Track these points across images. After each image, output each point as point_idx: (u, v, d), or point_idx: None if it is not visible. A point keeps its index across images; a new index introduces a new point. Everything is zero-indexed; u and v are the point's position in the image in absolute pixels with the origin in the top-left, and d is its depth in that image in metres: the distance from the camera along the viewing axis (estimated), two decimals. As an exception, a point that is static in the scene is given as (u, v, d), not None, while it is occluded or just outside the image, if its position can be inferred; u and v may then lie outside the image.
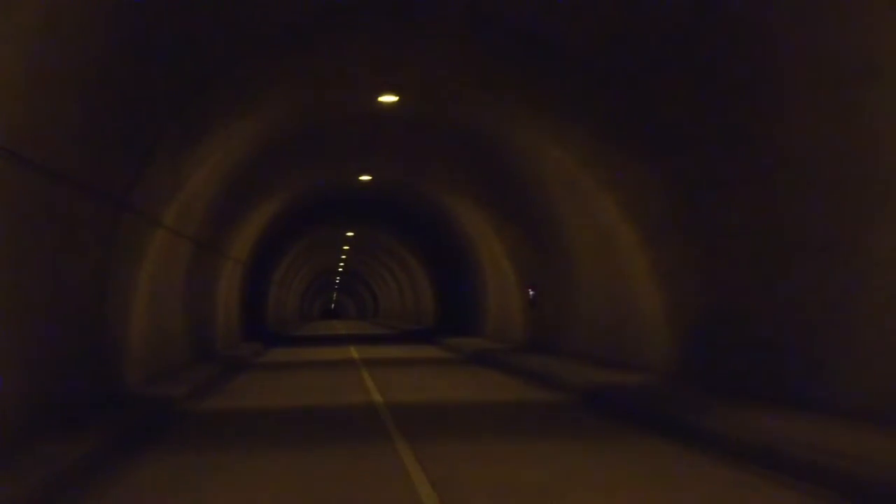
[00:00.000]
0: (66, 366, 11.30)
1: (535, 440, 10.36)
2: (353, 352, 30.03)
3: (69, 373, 11.45)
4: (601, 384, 14.49)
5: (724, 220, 12.88)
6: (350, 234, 49.89)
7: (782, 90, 10.50)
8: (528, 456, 9.36)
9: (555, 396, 14.93)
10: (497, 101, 17.43)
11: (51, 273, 10.59)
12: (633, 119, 14.17)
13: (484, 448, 9.90)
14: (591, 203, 18.28)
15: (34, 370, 10.10)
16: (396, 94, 18.08)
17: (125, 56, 10.65)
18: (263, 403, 14.68)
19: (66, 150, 10.27)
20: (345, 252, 63.99)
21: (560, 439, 10.42)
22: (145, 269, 15.72)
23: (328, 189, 32.23)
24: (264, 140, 20.09)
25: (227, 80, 14.46)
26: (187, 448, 10.38)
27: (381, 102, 18.71)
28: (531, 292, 25.54)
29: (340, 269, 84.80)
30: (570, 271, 21.31)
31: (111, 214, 12.68)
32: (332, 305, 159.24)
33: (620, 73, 13.27)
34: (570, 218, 20.11)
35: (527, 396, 15.02)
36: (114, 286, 13.60)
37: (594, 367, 17.86)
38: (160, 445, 10.62)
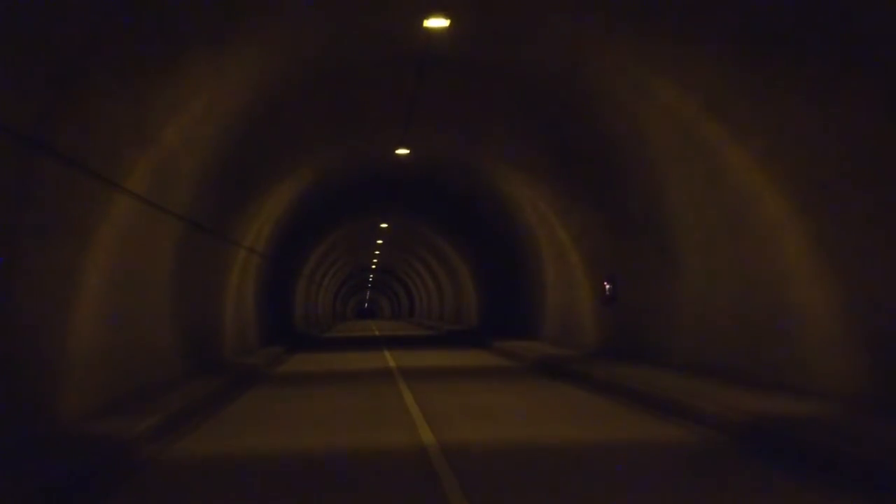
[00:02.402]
0: None
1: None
2: (389, 358, 25.35)
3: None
4: (759, 416, 9.69)
5: None
6: (384, 225, 45.33)
7: None
8: None
9: (690, 434, 10.14)
10: (591, 20, 12.67)
11: None
12: (809, 23, 9.36)
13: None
14: (715, 162, 13.47)
15: None
16: (447, 17, 13.38)
17: None
18: (262, 447, 10.01)
19: None
20: (378, 247, 59.50)
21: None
22: (97, 249, 11.09)
23: (356, 168, 27.61)
24: (271, 87, 15.42)
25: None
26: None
27: (428, 29, 14.01)
28: (608, 286, 20.75)
29: (374, 266, 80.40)
30: (671, 257, 16.49)
31: (10, 153, 8.05)
32: (366, 304, 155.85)
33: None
34: (678, 186, 15.28)
35: (647, 433, 10.24)
36: (30, 272, 8.98)
37: (722, 385, 13.04)
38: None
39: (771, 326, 12.77)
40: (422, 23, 13.66)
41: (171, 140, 12.81)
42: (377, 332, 50.11)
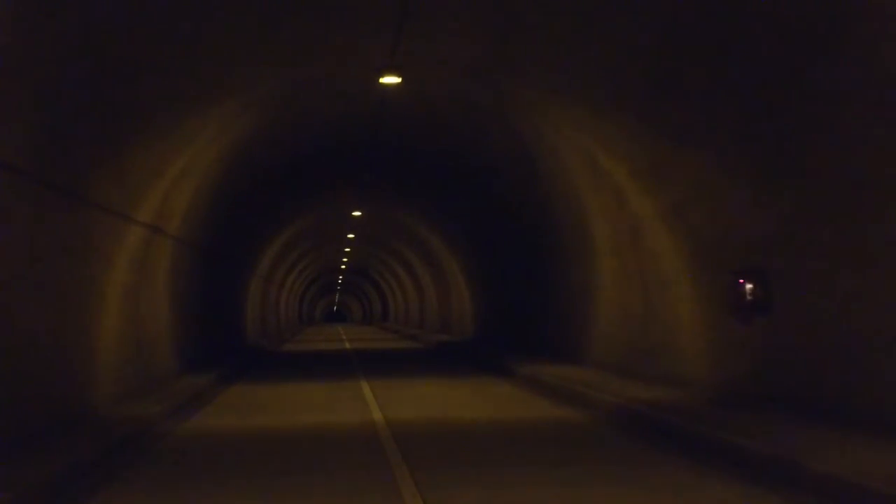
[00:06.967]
0: None
1: None
2: (370, 398, 16.66)
3: None
4: None
5: None
6: (357, 213, 36.72)
7: None
8: None
9: None
10: None
11: None
12: None
13: None
14: None
15: None
16: None
17: None
18: None
19: None
20: (349, 242, 50.89)
21: None
22: None
23: (319, 112, 19.01)
24: None
25: None
26: None
27: None
28: (748, 287, 12.23)
29: (343, 266, 71.80)
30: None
31: None
32: (335, 308, 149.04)
33: None
34: None
35: None
36: None
37: None
38: None
39: None
40: None
41: None
42: (348, 345, 41.30)
